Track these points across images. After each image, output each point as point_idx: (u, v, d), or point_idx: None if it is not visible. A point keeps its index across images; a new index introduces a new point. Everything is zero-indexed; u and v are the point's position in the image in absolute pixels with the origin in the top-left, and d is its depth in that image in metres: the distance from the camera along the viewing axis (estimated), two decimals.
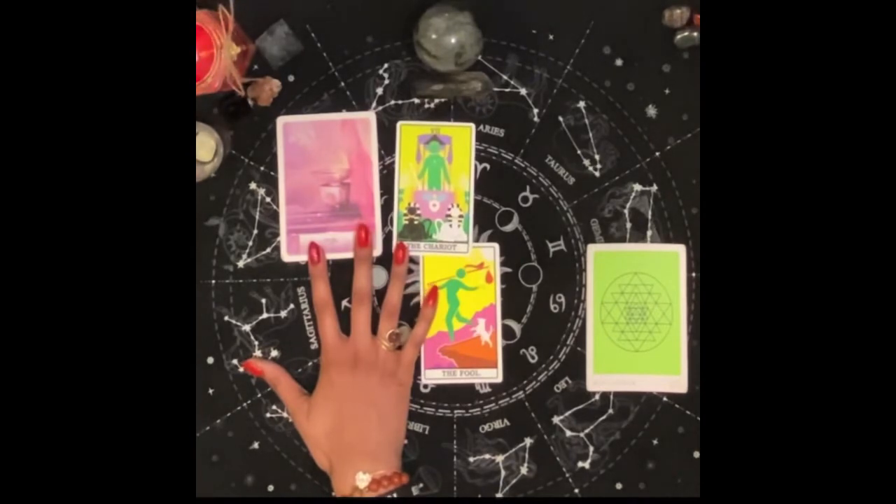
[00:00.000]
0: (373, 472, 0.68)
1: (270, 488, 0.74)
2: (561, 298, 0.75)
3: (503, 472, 0.74)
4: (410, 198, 0.74)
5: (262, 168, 0.74)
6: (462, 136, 0.73)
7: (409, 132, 0.73)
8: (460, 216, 0.74)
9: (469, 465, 0.74)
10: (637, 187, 0.74)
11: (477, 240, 0.74)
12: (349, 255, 0.73)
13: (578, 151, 0.74)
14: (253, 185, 0.74)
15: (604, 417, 0.74)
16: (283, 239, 0.74)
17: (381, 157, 0.74)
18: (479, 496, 0.74)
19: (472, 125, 0.74)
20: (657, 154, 0.74)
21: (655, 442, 0.74)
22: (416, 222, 0.74)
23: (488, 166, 0.74)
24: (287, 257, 0.74)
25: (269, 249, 0.74)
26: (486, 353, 0.74)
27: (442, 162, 0.73)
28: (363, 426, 0.70)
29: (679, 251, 0.74)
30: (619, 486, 0.74)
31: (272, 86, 0.72)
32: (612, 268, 0.74)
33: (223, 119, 0.73)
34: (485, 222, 0.74)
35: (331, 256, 0.73)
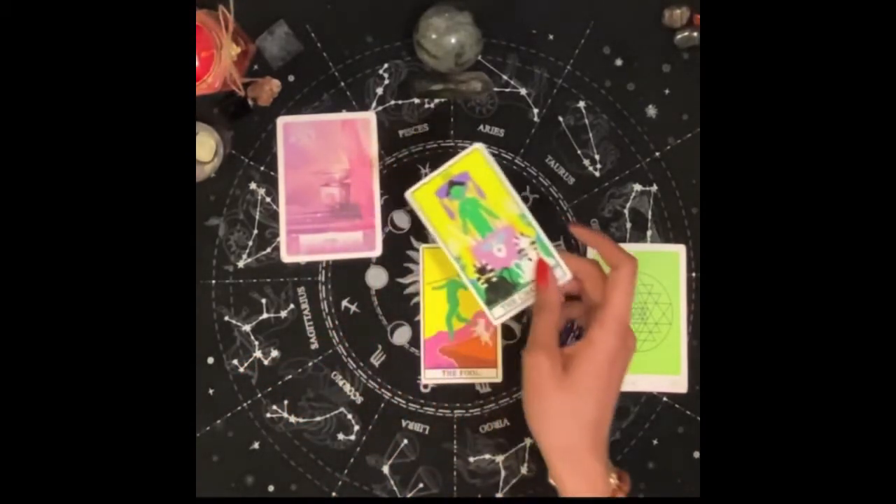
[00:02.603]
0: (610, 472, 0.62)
1: (270, 488, 0.74)
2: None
3: (503, 472, 0.74)
4: (471, 259, 0.65)
5: (262, 168, 0.74)
6: (477, 163, 0.66)
7: (424, 195, 0.65)
8: (532, 242, 0.65)
9: (469, 465, 0.74)
10: (637, 187, 0.74)
11: None
12: (349, 255, 0.73)
13: (578, 151, 0.74)
14: (253, 185, 0.74)
15: None
16: (282, 239, 0.74)
17: (381, 158, 0.74)
18: (479, 496, 0.74)
19: (479, 145, 0.66)
20: (657, 154, 0.74)
21: (655, 442, 0.74)
22: (494, 280, 0.66)
23: None
24: (287, 257, 0.74)
25: (269, 249, 0.74)
26: (486, 353, 0.74)
27: (476, 202, 0.65)
28: (609, 417, 0.62)
29: (679, 251, 0.74)
30: None
31: (272, 86, 0.72)
32: None
33: (223, 119, 0.73)
34: None
35: (331, 257, 0.74)
